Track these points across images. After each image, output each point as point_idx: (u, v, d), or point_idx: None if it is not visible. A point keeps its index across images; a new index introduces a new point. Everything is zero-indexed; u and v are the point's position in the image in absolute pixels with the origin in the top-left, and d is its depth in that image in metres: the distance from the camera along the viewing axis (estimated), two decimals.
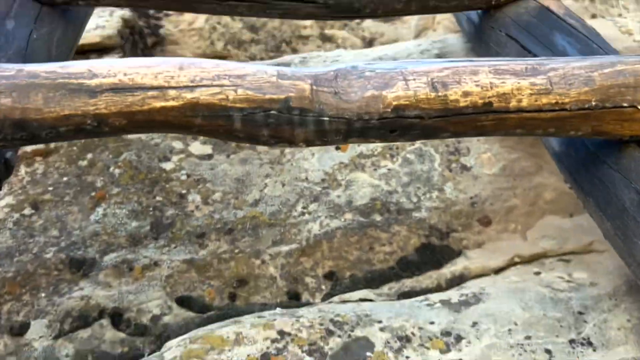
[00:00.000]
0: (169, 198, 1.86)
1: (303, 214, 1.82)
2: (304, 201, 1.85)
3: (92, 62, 1.11)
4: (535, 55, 1.72)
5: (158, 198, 1.86)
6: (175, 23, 3.61)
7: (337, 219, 1.80)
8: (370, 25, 3.64)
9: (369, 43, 3.82)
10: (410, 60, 1.23)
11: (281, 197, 1.86)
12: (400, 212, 1.82)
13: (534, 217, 1.84)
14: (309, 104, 1.15)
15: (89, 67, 1.09)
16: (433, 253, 1.74)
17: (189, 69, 1.11)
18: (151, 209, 1.83)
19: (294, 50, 3.79)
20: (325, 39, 3.77)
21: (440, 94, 1.16)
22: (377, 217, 1.80)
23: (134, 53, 3.28)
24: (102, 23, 2.99)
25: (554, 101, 1.20)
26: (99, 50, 2.90)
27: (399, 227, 1.79)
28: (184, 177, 1.91)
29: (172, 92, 1.09)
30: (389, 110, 1.16)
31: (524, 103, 1.20)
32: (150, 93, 1.09)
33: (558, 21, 1.76)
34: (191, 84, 1.10)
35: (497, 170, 1.90)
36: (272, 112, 1.14)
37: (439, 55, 2.24)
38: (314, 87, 1.16)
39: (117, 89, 1.08)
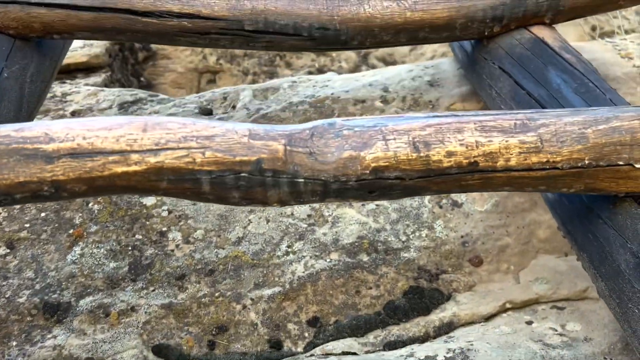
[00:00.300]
0: (149, 236, 1.79)
1: (287, 253, 1.75)
2: (288, 239, 1.79)
3: (49, 124, 1.04)
4: (528, 92, 1.65)
5: (138, 236, 1.79)
6: None
7: (323, 259, 1.73)
8: None
9: (364, 57, 3.75)
10: (391, 115, 1.15)
11: (265, 235, 1.80)
12: (388, 251, 1.75)
13: (528, 257, 1.77)
14: (282, 166, 1.08)
15: (45, 130, 1.02)
16: (421, 297, 1.67)
17: (153, 130, 1.04)
18: (130, 248, 1.77)
19: (288, 64, 3.72)
20: (320, 53, 3.68)
21: (422, 154, 1.09)
22: (364, 257, 1.74)
23: (124, 70, 3.21)
24: (89, 41, 2.92)
25: (544, 160, 1.13)
26: (85, 69, 2.84)
27: (387, 268, 1.72)
28: (165, 214, 1.85)
29: (134, 157, 1.02)
30: (368, 172, 1.09)
31: (512, 162, 1.13)
32: (111, 158, 1.02)
33: (554, 56, 1.69)
34: (155, 147, 1.03)
35: (489, 207, 1.83)
36: (243, 174, 1.07)
37: (430, 82, 2.17)
38: (288, 148, 1.09)
39: (75, 154, 1.01)
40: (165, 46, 3.54)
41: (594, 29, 3.99)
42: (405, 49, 3.75)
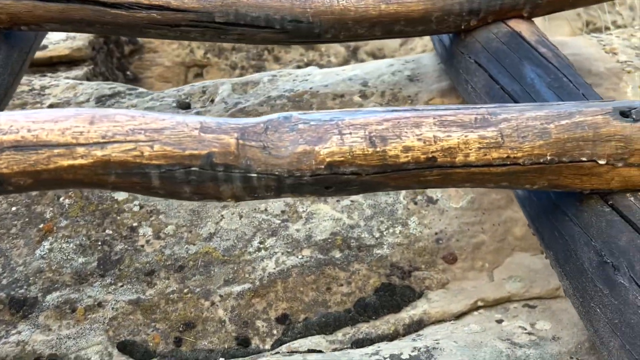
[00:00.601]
0: (119, 231, 1.77)
1: (259, 249, 1.73)
2: (261, 235, 1.76)
3: None
4: (502, 87, 1.62)
5: (108, 231, 1.77)
6: None
7: (295, 255, 1.71)
8: None
9: (353, 51, 3.72)
10: (349, 110, 1.13)
11: (237, 231, 1.77)
12: (361, 248, 1.73)
13: (503, 254, 1.74)
14: (234, 160, 1.05)
15: None
16: (393, 295, 1.64)
17: (100, 123, 1.02)
18: (100, 243, 1.75)
19: (276, 59, 3.69)
20: (309, 47, 3.65)
21: (378, 149, 1.07)
22: (337, 254, 1.71)
23: (109, 63, 3.19)
24: (72, 33, 2.89)
25: (505, 155, 1.10)
26: (68, 62, 2.81)
27: (359, 265, 1.69)
28: (136, 208, 1.82)
29: (80, 150, 1.00)
30: (322, 167, 1.06)
31: (472, 158, 1.10)
32: (56, 151, 0.99)
33: (529, 50, 1.66)
34: (102, 140, 1.01)
35: (465, 204, 1.81)
36: (194, 168, 1.05)
37: (410, 77, 2.14)
38: (240, 142, 1.06)
39: (19, 146, 0.99)
40: (152, 39, 3.52)
41: (586, 24, 3.96)
42: (395, 43, 3.72)
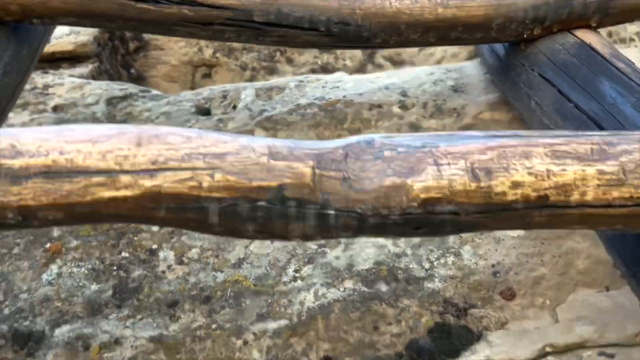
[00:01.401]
0: (137, 254, 1.57)
1: (295, 279, 1.54)
2: (296, 262, 1.57)
3: (18, 133, 0.81)
4: (576, 105, 1.44)
5: (124, 254, 1.57)
6: None
7: (336, 287, 1.52)
8: None
9: (370, 55, 3.53)
10: (440, 134, 0.94)
11: (269, 257, 1.58)
12: (410, 281, 1.54)
13: (565, 291, 1.57)
14: (310, 194, 0.86)
15: (12, 141, 0.80)
16: (449, 336, 1.46)
17: (149, 144, 0.82)
18: (115, 267, 1.55)
19: (289, 60, 3.49)
20: (324, 50, 3.46)
21: (482, 184, 0.88)
22: (383, 287, 1.53)
23: (113, 61, 2.97)
24: (77, 28, 2.68)
25: (627, 195, 0.92)
26: (71, 59, 2.60)
27: (409, 300, 1.51)
28: (155, 228, 1.62)
29: (125, 179, 0.80)
30: (415, 204, 0.88)
31: (589, 197, 0.92)
32: (95, 179, 0.80)
33: (604, 63, 1.49)
34: (152, 167, 0.81)
35: (522, 232, 1.63)
36: (261, 203, 0.85)
37: (454, 88, 1.96)
38: (317, 171, 0.87)
39: (49, 172, 0.79)
40: (158, 37, 3.31)
41: (610, 35, 3.81)
42: (413, 49, 3.54)
